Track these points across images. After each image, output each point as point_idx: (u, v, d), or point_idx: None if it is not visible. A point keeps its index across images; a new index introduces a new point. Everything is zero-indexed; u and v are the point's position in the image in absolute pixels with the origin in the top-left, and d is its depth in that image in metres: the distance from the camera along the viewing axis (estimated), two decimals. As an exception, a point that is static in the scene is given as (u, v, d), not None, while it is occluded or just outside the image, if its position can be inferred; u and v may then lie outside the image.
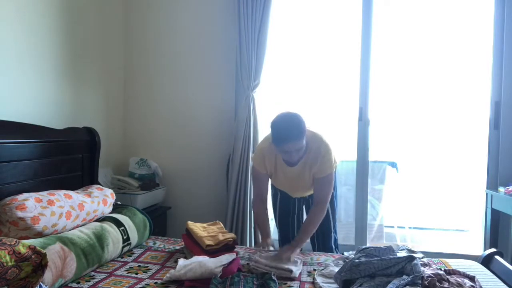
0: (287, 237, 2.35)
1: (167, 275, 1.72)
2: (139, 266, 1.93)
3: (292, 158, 1.97)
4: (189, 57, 3.16)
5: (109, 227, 1.99)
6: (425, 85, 3.10)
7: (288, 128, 1.88)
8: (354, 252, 1.87)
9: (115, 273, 1.82)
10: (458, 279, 1.56)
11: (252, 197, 2.26)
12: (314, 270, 1.92)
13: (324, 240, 2.31)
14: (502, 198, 2.56)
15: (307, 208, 2.39)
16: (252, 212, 2.34)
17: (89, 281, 1.70)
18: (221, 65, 3.11)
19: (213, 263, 1.73)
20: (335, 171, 2.16)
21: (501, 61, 2.79)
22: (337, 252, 2.34)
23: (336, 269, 1.74)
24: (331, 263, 1.94)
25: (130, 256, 2.06)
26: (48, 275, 1.51)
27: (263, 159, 2.12)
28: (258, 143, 2.92)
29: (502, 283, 1.71)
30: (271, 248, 2.09)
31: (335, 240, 2.38)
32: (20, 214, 1.67)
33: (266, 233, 2.17)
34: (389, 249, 1.67)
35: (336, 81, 3.12)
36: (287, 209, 2.37)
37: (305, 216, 2.39)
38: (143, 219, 2.29)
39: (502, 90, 2.79)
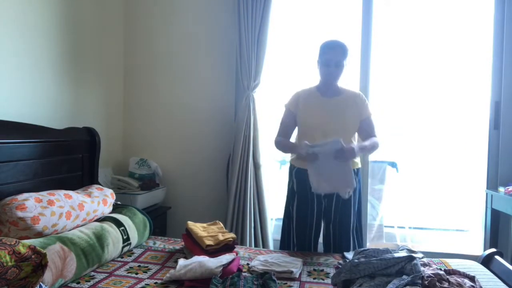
0: (303, 242, 2.25)
1: (167, 275, 1.72)
2: (139, 266, 1.93)
3: (330, 74, 2.19)
4: (189, 57, 3.16)
5: (109, 227, 1.99)
6: (425, 85, 3.10)
7: (336, 41, 2.20)
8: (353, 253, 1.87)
9: (115, 273, 1.82)
10: (458, 279, 1.56)
11: (275, 138, 2.33)
12: (314, 270, 1.92)
13: (340, 241, 2.24)
14: (502, 198, 2.56)
15: (326, 220, 2.28)
16: (275, 145, 2.32)
17: (89, 281, 1.70)
18: (221, 65, 3.11)
19: (213, 263, 1.73)
20: None
21: (501, 61, 2.79)
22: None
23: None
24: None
25: (130, 256, 2.06)
26: (48, 275, 1.51)
27: (297, 98, 2.30)
28: (259, 145, 2.93)
29: (502, 283, 1.71)
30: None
31: (356, 240, 2.28)
32: (20, 214, 1.67)
33: (295, 143, 2.29)
34: (387, 251, 1.67)
35: (339, 83, 3.11)
36: (305, 214, 2.25)
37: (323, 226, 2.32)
38: (143, 219, 2.29)
39: (502, 90, 2.79)
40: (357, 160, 2.26)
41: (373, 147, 2.22)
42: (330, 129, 2.17)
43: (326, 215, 2.26)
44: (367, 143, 2.18)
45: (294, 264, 1.91)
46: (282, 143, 2.30)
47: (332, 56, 2.16)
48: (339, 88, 2.28)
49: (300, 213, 2.26)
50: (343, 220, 2.22)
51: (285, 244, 2.33)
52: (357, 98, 2.27)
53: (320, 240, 2.32)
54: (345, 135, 2.15)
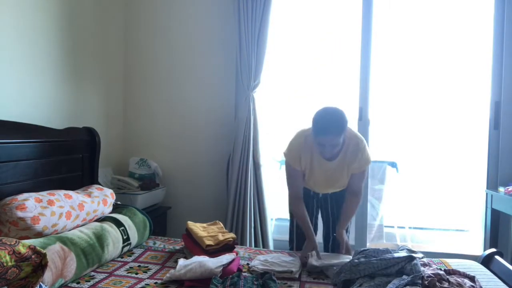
0: (303, 239, 2.23)
1: (167, 275, 1.72)
2: (139, 266, 1.93)
3: (325, 153, 1.98)
4: (189, 57, 3.16)
5: (109, 227, 1.99)
6: (425, 85, 3.10)
7: (330, 121, 1.89)
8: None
9: (115, 273, 1.82)
10: (458, 279, 1.56)
11: (288, 198, 2.19)
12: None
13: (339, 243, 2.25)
14: (502, 198, 2.56)
15: (322, 211, 2.34)
16: (292, 213, 2.29)
17: (89, 281, 1.70)
18: (221, 65, 3.11)
19: (213, 263, 1.73)
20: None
21: (501, 61, 2.79)
22: None
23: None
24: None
25: (130, 256, 2.06)
26: (48, 275, 1.51)
27: (298, 155, 2.07)
28: (259, 145, 2.93)
29: (502, 283, 1.71)
30: (314, 253, 2.02)
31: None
32: (20, 214, 1.67)
33: (311, 236, 2.08)
34: (387, 251, 1.67)
35: (336, 81, 3.12)
36: (307, 210, 2.25)
37: (319, 219, 2.38)
38: (143, 219, 2.29)
39: (502, 90, 2.79)
40: None
41: (351, 217, 2.19)
42: (332, 184, 2.17)
43: (324, 213, 2.33)
44: (345, 221, 2.13)
45: (294, 264, 1.91)
46: (299, 220, 2.17)
47: (327, 140, 1.91)
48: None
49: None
50: (339, 212, 2.26)
51: (293, 244, 2.35)
52: (358, 151, 2.04)
53: (320, 240, 2.33)
54: (341, 187, 2.20)
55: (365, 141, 2.09)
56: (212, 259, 1.80)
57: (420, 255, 1.88)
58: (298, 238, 2.30)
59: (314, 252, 2.00)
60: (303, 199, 2.18)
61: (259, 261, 1.95)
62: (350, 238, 3.04)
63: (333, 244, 2.30)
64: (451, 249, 3.02)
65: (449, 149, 3.24)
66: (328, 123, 1.88)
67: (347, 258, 1.89)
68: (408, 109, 3.18)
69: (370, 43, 2.94)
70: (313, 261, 1.92)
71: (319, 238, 2.33)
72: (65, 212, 1.86)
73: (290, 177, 2.16)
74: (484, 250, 2.46)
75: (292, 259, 1.99)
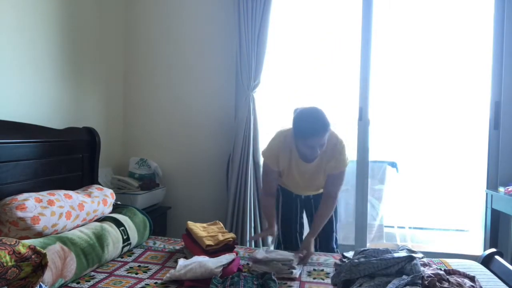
0: (290, 238, 2.33)
1: (167, 275, 1.72)
2: (139, 266, 1.93)
3: (314, 154, 1.94)
4: (189, 57, 3.16)
5: (109, 227, 1.99)
6: (425, 85, 3.10)
7: (315, 122, 1.87)
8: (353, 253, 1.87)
9: (115, 273, 1.82)
10: (458, 279, 1.56)
11: (259, 192, 2.27)
12: (314, 270, 1.92)
13: (326, 240, 2.30)
14: (502, 198, 2.56)
15: (307, 211, 2.36)
16: (259, 204, 2.45)
17: (89, 281, 1.70)
18: (221, 65, 3.11)
19: (213, 263, 1.73)
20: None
21: (501, 61, 2.79)
22: (337, 252, 2.34)
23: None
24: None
25: (130, 256, 2.06)
26: (48, 275, 1.51)
27: (276, 156, 2.07)
28: (259, 145, 2.93)
29: (502, 283, 1.71)
30: (270, 238, 2.08)
31: (336, 239, 2.38)
32: (20, 214, 1.67)
33: (272, 223, 2.14)
34: (387, 251, 1.67)
35: (336, 81, 3.12)
36: (290, 211, 2.34)
37: (305, 219, 2.39)
38: (143, 219, 2.29)
39: (502, 90, 2.79)
40: None
41: (323, 222, 2.12)
42: (307, 186, 2.20)
43: (308, 211, 2.34)
44: (317, 228, 2.10)
45: (293, 260, 1.91)
46: (264, 211, 2.29)
47: (316, 141, 1.88)
48: None
49: (285, 209, 2.33)
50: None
51: (277, 243, 2.39)
52: (336, 151, 2.03)
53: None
54: (318, 188, 2.21)
55: (344, 143, 2.07)
56: (212, 259, 1.80)
57: (420, 255, 1.89)
58: (284, 235, 2.33)
59: (262, 249, 2.03)
60: (287, 200, 2.28)
61: (260, 256, 1.92)
62: (350, 238, 3.06)
63: (321, 244, 2.30)
64: (451, 249, 3.02)
65: (449, 149, 3.24)
66: (315, 124, 1.87)
67: (291, 256, 1.90)
68: (408, 109, 3.18)
69: (370, 43, 2.94)
70: (257, 254, 1.91)
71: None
72: (65, 212, 1.86)
73: (266, 175, 2.18)
74: (484, 250, 2.46)
75: (290, 254, 1.98)
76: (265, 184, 2.21)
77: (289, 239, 2.33)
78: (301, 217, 2.38)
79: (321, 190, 2.21)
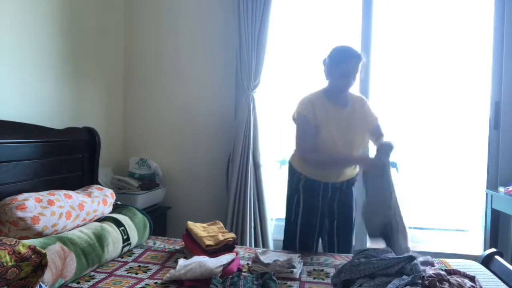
0: (306, 243, 2.23)
1: (167, 275, 1.72)
2: (139, 266, 1.93)
3: (349, 82, 2.07)
4: (189, 57, 3.16)
5: (109, 227, 1.99)
6: (425, 85, 3.10)
7: (349, 49, 2.07)
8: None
9: (115, 273, 1.82)
10: (458, 279, 1.56)
11: (300, 153, 2.12)
12: (314, 270, 1.92)
13: (345, 242, 2.26)
14: (502, 198, 2.56)
15: (328, 216, 2.26)
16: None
17: (89, 281, 1.70)
18: (221, 65, 3.11)
19: (213, 263, 1.73)
20: None
21: (501, 61, 2.79)
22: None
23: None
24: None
25: (130, 256, 2.06)
26: (48, 275, 1.51)
27: (313, 107, 2.09)
28: (259, 145, 2.93)
29: (502, 283, 1.72)
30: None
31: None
32: (20, 214, 1.67)
33: (351, 156, 2.14)
34: (387, 251, 1.67)
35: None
36: (311, 214, 2.22)
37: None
38: (143, 219, 2.29)
39: (502, 90, 2.79)
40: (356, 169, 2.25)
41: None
42: (341, 144, 2.11)
43: (328, 214, 2.27)
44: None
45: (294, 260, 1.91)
46: (329, 158, 2.10)
47: (351, 66, 2.04)
48: (347, 95, 2.19)
49: (306, 216, 2.22)
50: (346, 218, 2.26)
51: (289, 245, 2.30)
52: (363, 105, 2.24)
53: (320, 247, 2.34)
54: (353, 150, 2.16)
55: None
56: (212, 259, 1.80)
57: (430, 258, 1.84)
58: (301, 237, 2.24)
59: (262, 250, 2.04)
60: (311, 208, 2.19)
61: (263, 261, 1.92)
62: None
63: (338, 246, 2.27)
64: (451, 249, 3.02)
65: (449, 149, 3.23)
66: (349, 50, 2.06)
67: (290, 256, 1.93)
68: (408, 109, 3.18)
69: (370, 43, 2.94)
70: (260, 256, 1.92)
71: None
72: (65, 212, 1.86)
73: (304, 131, 2.09)
74: (484, 250, 2.46)
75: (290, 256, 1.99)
76: (306, 142, 2.09)
77: (306, 242, 2.24)
78: (321, 224, 2.26)
79: (357, 170, 2.20)
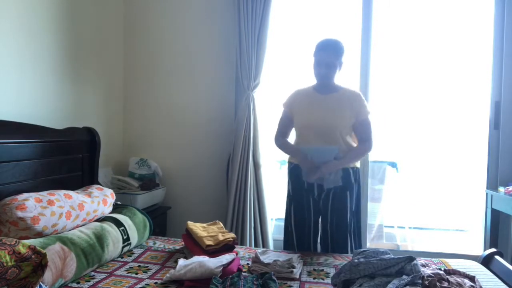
0: (303, 242, 2.29)
1: (167, 275, 1.72)
2: (139, 266, 1.93)
3: (321, 73, 2.18)
4: (189, 57, 3.16)
5: (109, 227, 1.99)
6: (425, 85, 3.10)
7: (329, 41, 2.20)
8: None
9: (115, 273, 1.82)
10: (458, 279, 1.56)
11: (274, 138, 2.38)
12: (314, 270, 1.92)
13: (338, 242, 2.25)
14: (502, 198, 2.56)
15: (322, 221, 2.28)
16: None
17: (89, 281, 1.70)
18: (221, 65, 3.11)
19: (213, 263, 1.73)
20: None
21: (501, 61, 2.79)
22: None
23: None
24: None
25: (130, 256, 2.06)
26: (48, 275, 1.51)
27: (294, 97, 2.33)
28: (259, 145, 2.93)
29: (502, 283, 1.71)
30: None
31: (353, 245, 2.29)
32: (20, 214, 1.67)
33: (298, 150, 2.24)
34: (386, 252, 1.67)
35: (336, 81, 3.11)
36: (303, 215, 2.28)
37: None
38: (143, 219, 2.29)
39: (502, 90, 2.79)
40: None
41: (357, 157, 2.23)
42: (323, 126, 2.18)
43: (323, 216, 2.28)
44: (347, 160, 2.17)
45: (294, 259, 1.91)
46: (283, 145, 2.35)
47: (323, 56, 2.16)
48: (336, 86, 2.26)
49: (298, 213, 2.29)
50: (339, 221, 2.22)
51: (288, 245, 2.34)
52: (354, 98, 2.22)
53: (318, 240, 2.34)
54: (338, 133, 2.18)
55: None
56: (212, 259, 1.80)
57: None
58: (297, 237, 2.29)
59: (262, 250, 2.06)
60: (302, 202, 2.27)
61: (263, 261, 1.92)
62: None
63: (333, 247, 2.27)
64: (451, 249, 3.02)
65: (449, 149, 3.24)
66: (326, 42, 2.19)
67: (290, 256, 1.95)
68: (408, 109, 3.18)
69: (370, 43, 2.94)
70: (260, 256, 1.92)
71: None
72: (65, 212, 1.86)
73: (281, 122, 2.37)
74: (484, 250, 2.46)
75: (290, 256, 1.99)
76: (280, 127, 2.37)
77: (302, 242, 2.29)
78: (316, 222, 2.30)
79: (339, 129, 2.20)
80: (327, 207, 2.24)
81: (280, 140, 2.35)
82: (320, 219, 2.30)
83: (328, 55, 2.15)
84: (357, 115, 2.20)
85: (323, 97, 2.24)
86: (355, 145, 2.25)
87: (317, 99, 2.24)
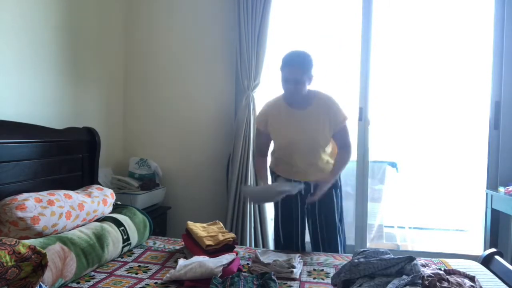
0: (291, 240, 2.31)
1: (167, 275, 1.72)
2: (139, 266, 1.93)
3: (289, 89, 2.05)
4: (189, 57, 3.16)
5: (109, 227, 1.99)
6: (425, 85, 3.11)
7: (295, 55, 2.04)
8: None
9: (115, 273, 1.82)
10: (458, 279, 1.56)
11: (253, 156, 2.39)
12: (314, 270, 1.92)
13: (329, 238, 2.28)
14: (502, 198, 2.56)
15: (310, 216, 2.31)
16: (253, 167, 2.64)
17: (89, 281, 1.70)
18: (221, 65, 3.11)
19: (213, 263, 1.73)
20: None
21: (501, 61, 2.79)
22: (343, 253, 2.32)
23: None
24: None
25: (130, 256, 2.06)
26: (48, 275, 1.51)
27: (265, 115, 2.21)
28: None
29: (502, 283, 1.72)
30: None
31: (342, 243, 2.33)
32: (20, 214, 1.67)
33: (267, 180, 2.26)
34: (386, 252, 1.67)
35: (336, 81, 3.12)
36: (290, 214, 2.30)
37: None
38: (143, 219, 2.29)
39: (502, 90, 2.79)
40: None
41: (344, 165, 2.21)
42: (304, 143, 2.15)
43: (310, 214, 2.30)
44: (333, 174, 2.17)
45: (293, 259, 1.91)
46: (258, 171, 2.37)
47: (291, 72, 2.00)
48: (308, 96, 2.11)
49: (285, 211, 2.31)
50: (328, 218, 2.26)
51: (277, 243, 2.37)
52: (329, 106, 2.11)
53: (308, 239, 2.36)
54: (319, 147, 2.17)
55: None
56: (212, 259, 1.80)
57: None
58: (284, 238, 2.32)
59: (262, 250, 2.07)
60: (289, 208, 2.27)
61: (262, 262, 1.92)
62: (350, 238, 3.06)
63: (323, 246, 2.29)
64: (451, 249, 3.02)
65: (449, 149, 3.24)
66: (293, 56, 2.03)
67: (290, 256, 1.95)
68: (408, 109, 3.18)
69: (370, 43, 2.94)
70: (260, 256, 1.93)
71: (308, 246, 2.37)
72: (65, 212, 1.86)
73: (257, 136, 2.34)
74: (484, 250, 2.46)
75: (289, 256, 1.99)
76: (258, 144, 2.35)
77: (289, 240, 2.31)
78: (302, 220, 2.32)
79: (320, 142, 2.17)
80: (315, 206, 2.27)
81: (259, 163, 2.33)
82: (307, 218, 2.32)
83: (296, 70, 1.99)
84: (335, 125, 2.12)
85: (299, 113, 2.12)
86: (331, 148, 2.24)
87: (294, 116, 2.14)
